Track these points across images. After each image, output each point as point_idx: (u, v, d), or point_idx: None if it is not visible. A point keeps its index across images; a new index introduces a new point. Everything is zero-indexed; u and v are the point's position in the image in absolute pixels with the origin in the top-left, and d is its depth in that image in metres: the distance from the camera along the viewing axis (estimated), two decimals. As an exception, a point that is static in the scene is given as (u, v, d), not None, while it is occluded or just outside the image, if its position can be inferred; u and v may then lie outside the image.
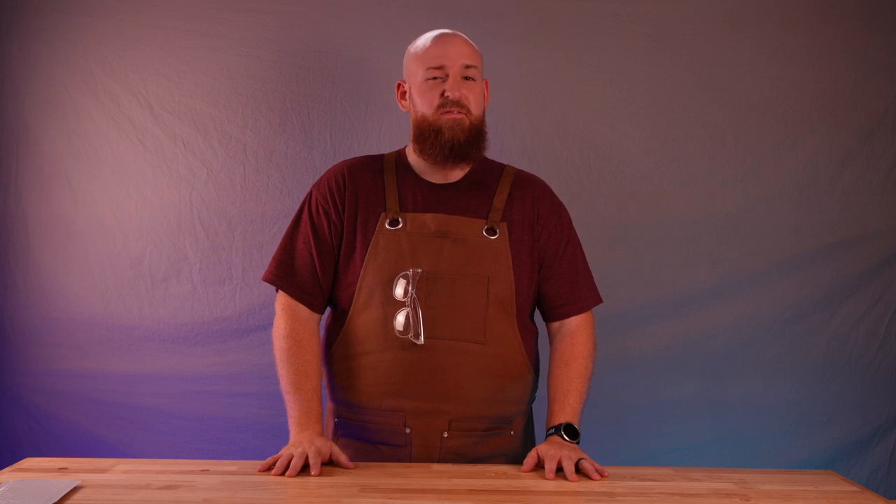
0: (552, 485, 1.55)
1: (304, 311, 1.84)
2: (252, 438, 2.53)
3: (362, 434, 1.82)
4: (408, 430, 1.77)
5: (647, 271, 2.55)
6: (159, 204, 2.53)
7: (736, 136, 2.55)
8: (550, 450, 1.67)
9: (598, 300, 1.94)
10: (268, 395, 2.51)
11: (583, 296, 1.90)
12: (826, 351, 2.57)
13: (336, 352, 1.84)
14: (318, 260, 1.84)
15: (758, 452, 2.53)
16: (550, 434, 1.76)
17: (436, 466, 1.68)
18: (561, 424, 1.76)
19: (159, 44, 2.52)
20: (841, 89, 2.54)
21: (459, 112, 1.79)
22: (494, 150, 2.51)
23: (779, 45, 2.54)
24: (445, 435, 1.77)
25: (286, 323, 1.82)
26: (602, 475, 1.62)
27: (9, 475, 1.57)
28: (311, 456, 1.61)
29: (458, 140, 1.79)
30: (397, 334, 1.75)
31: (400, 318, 1.75)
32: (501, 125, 2.53)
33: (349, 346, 1.81)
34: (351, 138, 2.52)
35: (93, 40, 2.52)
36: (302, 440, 1.67)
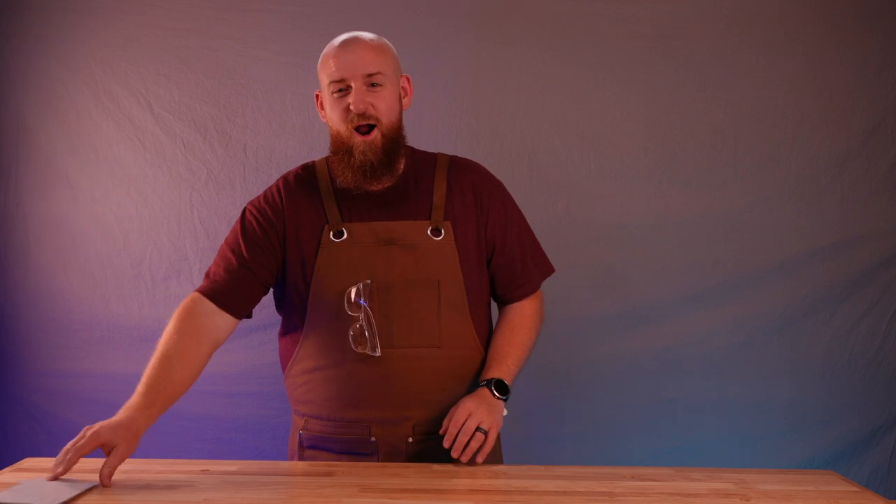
0: (552, 485, 1.55)
1: (208, 304, 1.75)
2: (252, 438, 2.53)
3: (328, 446, 1.80)
4: (373, 440, 1.76)
5: (647, 271, 2.54)
6: (159, 204, 2.53)
7: (736, 136, 2.55)
8: (466, 406, 1.67)
9: (548, 272, 1.94)
10: (268, 395, 2.51)
11: (533, 275, 1.90)
12: (826, 351, 2.57)
13: (294, 367, 1.82)
14: (251, 259, 1.76)
15: (758, 452, 2.53)
16: (481, 386, 1.75)
17: (436, 466, 1.68)
18: (493, 379, 1.75)
19: (159, 44, 2.52)
20: (841, 89, 2.54)
21: (370, 131, 1.72)
22: (494, 150, 2.53)
23: (779, 45, 2.53)
24: (410, 440, 1.76)
25: (180, 312, 1.73)
26: (476, 462, 1.66)
27: (9, 475, 1.57)
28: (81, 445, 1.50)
29: (368, 163, 1.73)
30: (353, 348, 1.73)
31: (354, 332, 1.72)
32: (501, 125, 2.53)
33: (306, 361, 1.79)
34: (351, 138, 2.52)
35: (93, 41, 2.52)
36: (101, 427, 1.53)
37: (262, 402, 2.52)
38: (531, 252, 1.90)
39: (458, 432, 1.66)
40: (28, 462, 1.68)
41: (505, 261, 1.86)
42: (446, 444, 1.66)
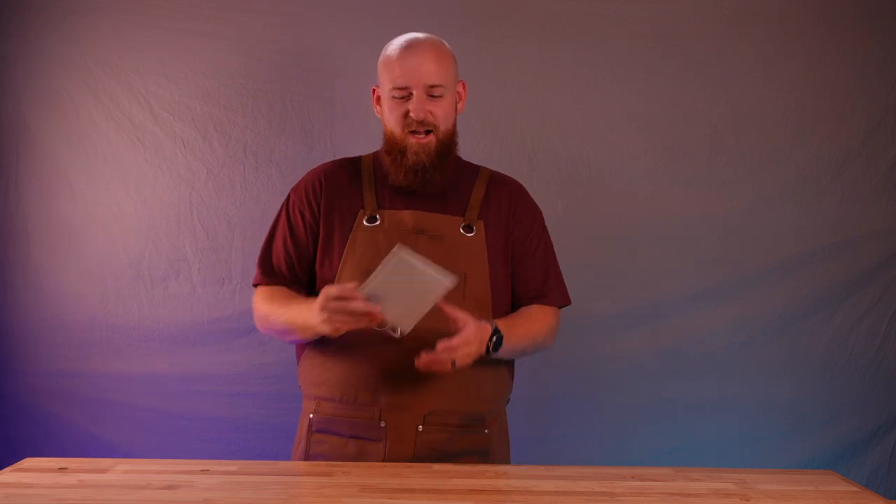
0: (552, 485, 1.56)
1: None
2: (252, 438, 2.53)
3: (337, 429, 1.81)
4: (383, 424, 1.77)
5: (647, 271, 2.55)
6: (159, 204, 2.53)
7: (736, 136, 2.55)
8: (469, 336, 1.66)
9: (566, 301, 1.95)
10: (268, 395, 2.51)
11: (553, 291, 1.91)
12: (826, 351, 2.57)
13: (311, 349, 1.84)
14: (295, 255, 1.86)
15: (758, 452, 2.53)
16: (491, 328, 1.73)
17: (436, 466, 1.68)
18: (499, 332, 1.74)
19: (159, 44, 2.52)
20: (841, 89, 2.54)
21: (427, 134, 1.79)
22: (494, 150, 2.52)
23: (779, 45, 2.54)
24: (420, 429, 1.77)
25: (264, 294, 1.87)
26: (443, 367, 1.66)
27: (9, 475, 1.57)
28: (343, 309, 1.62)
29: (421, 164, 1.79)
30: (374, 328, 1.74)
31: None
32: (502, 125, 2.53)
33: (325, 341, 1.80)
34: (351, 138, 2.53)
35: (93, 41, 2.52)
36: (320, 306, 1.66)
37: (262, 402, 2.52)
38: (553, 275, 1.93)
39: (444, 349, 1.65)
40: (28, 462, 1.68)
41: (523, 271, 1.89)
42: (438, 347, 1.65)
